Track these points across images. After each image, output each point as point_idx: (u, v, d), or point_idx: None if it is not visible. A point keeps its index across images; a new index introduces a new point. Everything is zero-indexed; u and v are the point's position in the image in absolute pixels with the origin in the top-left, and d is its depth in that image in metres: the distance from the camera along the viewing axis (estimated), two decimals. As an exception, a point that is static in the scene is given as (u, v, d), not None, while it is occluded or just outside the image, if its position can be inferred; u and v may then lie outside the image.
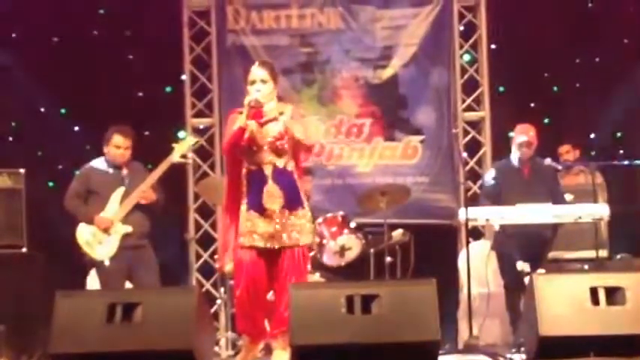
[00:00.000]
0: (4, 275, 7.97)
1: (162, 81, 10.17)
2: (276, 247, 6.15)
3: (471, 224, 7.76)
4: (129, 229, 7.61)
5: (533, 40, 9.98)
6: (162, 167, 7.72)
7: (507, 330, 8.19)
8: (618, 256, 8.85)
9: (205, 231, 9.88)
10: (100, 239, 7.57)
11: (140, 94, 10.13)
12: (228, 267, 6.64)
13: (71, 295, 5.77)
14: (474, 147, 10.01)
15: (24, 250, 8.13)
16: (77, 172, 7.94)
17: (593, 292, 5.74)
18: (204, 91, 10.02)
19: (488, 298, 8.21)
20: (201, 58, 10.04)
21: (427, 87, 9.95)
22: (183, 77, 10.02)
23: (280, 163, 6.19)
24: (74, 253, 7.65)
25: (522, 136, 8.15)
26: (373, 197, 8.43)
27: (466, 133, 10.04)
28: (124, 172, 7.77)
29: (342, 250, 8.24)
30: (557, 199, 8.04)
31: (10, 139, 9.99)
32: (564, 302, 5.71)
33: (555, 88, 10.44)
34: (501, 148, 9.31)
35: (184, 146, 7.83)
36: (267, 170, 6.18)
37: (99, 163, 7.82)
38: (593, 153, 9.87)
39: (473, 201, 8.39)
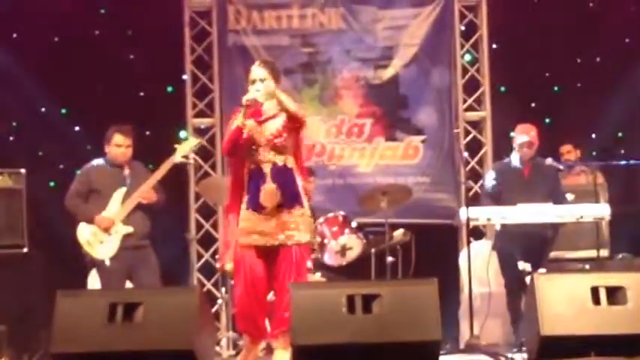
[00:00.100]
0: (4, 275, 7.98)
1: (163, 81, 10.17)
2: (275, 244, 6.15)
3: (472, 224, 7.76)
4: (130, 229, 7.61)
5: (534, 39, 9.98)
6: (164, 168, 7.73)
7: (508, 330, 8.19)
8: (619, 256, 8.84)
9: (206, 231, 9.88)
10: (100, 239, 7.58)
11: (141, 94, 10.13)
12: (229, 266, 6.65)
13: (72, 295, 5.77)
14: (475, 147, 10.01)
15: (24, 250, 8.14)
16: (78, 172, 7.94)
17: (594, 291, 5.73)
18: (205, 91, 10.02)
19: (490, 298, 8.22)
20: (202, 58, 10.04)
21: (428, 87, 9.95)
22: (185, 77, 10.02)
23: (280, 160, 6.20)
24: (75, 252, 7.65)
25: (523, 136, 8.15)
26: (374, 197, 8.42)
27: (467, 132, 10.04)
28: (126, 171, 7.78)
29: (343, 250, 8.24)
30: (558, 198, 8.04)
31: (11, 138, 9.99)
32: (565, 302, 5.70)
33: (556, 88, 10.44)
34: (502, 147, 9.32)
35: (186, 147, 7.84)
36: (267, 169, 6.18)
37: (100, 163, 7.83)
38: (594, 153, 9.87)
39: (474, 201, 8.39)
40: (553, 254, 8.31)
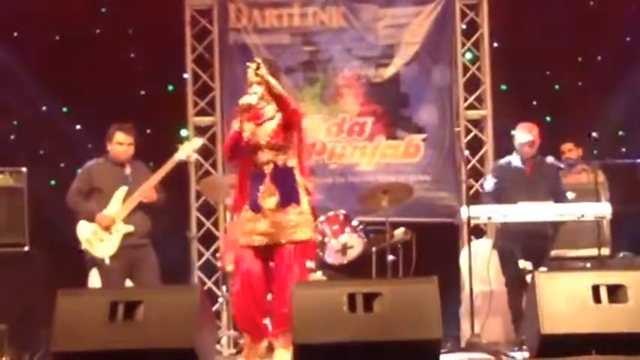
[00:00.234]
0: (5, 274, 7.98)
1: (164, 79, 10.18)
2: (274, 244, 6.17)
3: (472, 222, 7.76)
4: (130, 228, 7.61)
5: (535, 38, 9.98)
6: (166, 167, 7.73)
7: (509, 328, 8.19)
8: (620, 255, 8.84)
9: (207, 229, 9.88)
10: (101, 237, 7.58)
11: (142, 92, 10.13)
12: (230, 267, 6.66)
13: (73, 294, 5.78)
14: (476, 145, 10.00)
15: (26, 248, 8.15)
16: (80, 170, 7.95)
17: (595, 290, 5.75)
18: (206, 90, 10.02)
19: (490, 296, 8.22)
20: (203, 56, 10.03)
21: (429, 85, 9.94)
22: (186, 76, 10.02)
23: (280, 161, 6.23)
24: (76, 251, 7.65)
25: (524, 134, 8.15)
26: (375, 196, 8.42)
27: (468, 131, 10.04)
28: (127, 170, 7.78)
29: (344, 249, 8.25)
30: (559, 197, 8.04)
31: (12, 137, 9.99)
32: (566, 300, 5.72)
33: (557, 87, 10.44)
34: (503, 146, 9.31)
35: (189, 147, 7.84)
36: (267, 170, 6.23)
37: (102, 161, 7.83)
38: (595, 152, 9.86)
39: (475, 199, 8.39)
40: (554, 253, 8.31)
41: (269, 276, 6.19)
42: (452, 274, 8.98)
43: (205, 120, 9.99)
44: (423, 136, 9.91)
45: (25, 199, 8.21)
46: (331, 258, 8.20)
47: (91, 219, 7.59)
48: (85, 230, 7.59)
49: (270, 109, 6.29)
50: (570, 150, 9.22)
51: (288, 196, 6.22)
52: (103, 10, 10.11)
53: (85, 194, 7.72)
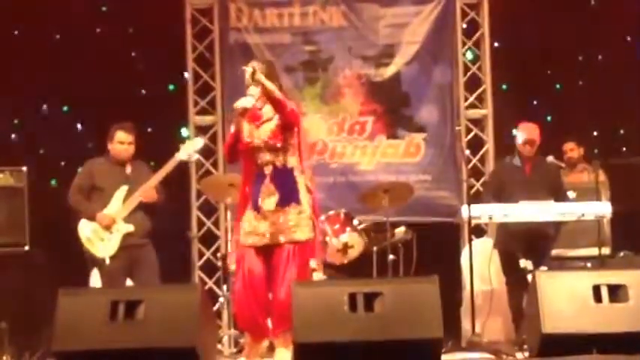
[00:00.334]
0: (6, 273, 7.99)
1: (164, 79, 10.17)
2: (274, 244, 6.19)
3: (473, 222, 7.76)
4: (130, 228, 7.61)
5: (535, 37, 9.98)
6: (167, 167, 7.73)
7: (510, 327, 8.19)
8: (621, 254, 8.83)
9: (208, 229, 9.88)
10: (101, 236, 7.58)
11: (143, 91, 10.13)
12: (234, 267, 6.68)
13: (74, 293, 5.78)
14: (476, 145, 10.00)
15: (26, 248, 8.15)
16: (80, 168, 7.95)
17: (596, 289, 5.75)
18: (206, 89, 10.01)
19: (491, 296, 8.22)
20: (203, 56, 10.03)
21: (430, 85, 9.94)
22: (186, 75, 10.01)
23: (279, 161, 6.25)
24: (77, 250, 7.65)
25: (525, 134, 8.15)
26: (376, 195, 8.42)
27: (469, 130, 10.03)
28: (128, 170, 7.78)
29: (345, 248, 8.26)
30: (560, 196, 8.03)
31: (13, 136, 9.99)
32: (567, 300, 5.72)
33: (558, 86, 10.44)
34: (504, 145, 9.33)
35: (190, 147, 7.84)
36: (268, 170, 6.27)
37: (103, 161, 7.83)
38: (595, 151, 9.86)
39: (475, 198, 8.38)
40: (554, 252, 8.31)
41: (270, 275, 6.20)
42: (452, 274, 8.96)
43: (206, 119, 9.99)
44: (424, 135, 9.91)
45: (25, 199, 8.21)
46: (332, 257, 8.20)
47: (92, 218, 7.59)
48: (85, 229, 7.60)
49: (268, 109, 6.31)
50: (572, 149, 9.21)
51: (288, 197, 6.24)
52: (104, 9, 10.10)
53: (85, 192, 7.72)
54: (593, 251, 8.21)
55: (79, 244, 7.62)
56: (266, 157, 6.25)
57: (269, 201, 6.21)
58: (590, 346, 5.59)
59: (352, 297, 5.53)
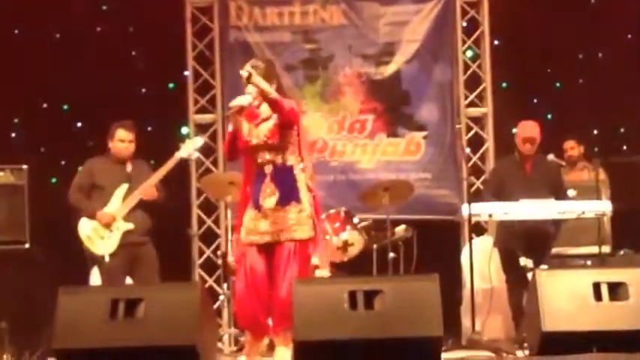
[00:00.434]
0: (6, 271, 7.99)
1: (165, 77, 10.17)
2: (274, 242, 6.19)
3: (473, 220, 7.76)
4: (130, 226, 7.61)
5: (536, 35, 9.98)
6: (168, 166, 7.73)
7: (510, 326, 8.18)
8: (621, 252, 8.83)
9: (208, 227, 9.88)
10: (101, 234, 7.58)
11: (143, 90, 10.14)
12: (231, 259, 6.67)
13: (74, 291, 5.78)
14: (476, 143, 10.00)
15: (26, 246, 8.15)
16: (81, 167, 7.95)
17: (596, 287, 5.74)
18: (207, 88, 10.01)
19: (491, 294, 8.22)
20: (203, 54, 10.03)
21: (430, 83, 9.94)
22: (186, 73, 10.02)
23: (279, 160, 6.25)
24: (77, 249, 7.66)
25: (526, 132, 8.15)
26: (376, 193, 8.43)
27: (469, 129, 10.04)
28: (129, 168, 7.78)
29: (345, 246, 8.27)
30: (560, 195, 8.03)
31: (13, 135, 10.00)
32: (567, 298, 5.71)
33: (558, 84, 10.44)
34: (504, 144, 9.32)
35: (191, 146, 7.84)
36: (268, 169, 6.25)
37: (103, 159, 7.84)
38: (596, 149, 9.87)
39: (476, 197, 8.38)
40: (555, 250, 8.31)
41: (271, 274, 6.20)
42: (453, 272, 8.96)
43: (206, 117, 9.99)
44: (424, 133, 9.91)
45: (25, 197, 8.22)
46: (332, 255, 8.20)
47: (92, 216, 7.60)
48: (85, 228, 7.60)
49: (266, 108, 6.29)
50: (572, 148, 9.21)
51: (288, 195, 6.23)
52: (104, 7, 10.11)
53: (86, 190, 7.73)
54: (594, 249, 8.22)
55: (79, 243, 7.63)
56: (266, 156, 6.25)
57: (270, 200, 6.21)
58: (590, 345, 5.59)
59: (352, 295, 5.53)
